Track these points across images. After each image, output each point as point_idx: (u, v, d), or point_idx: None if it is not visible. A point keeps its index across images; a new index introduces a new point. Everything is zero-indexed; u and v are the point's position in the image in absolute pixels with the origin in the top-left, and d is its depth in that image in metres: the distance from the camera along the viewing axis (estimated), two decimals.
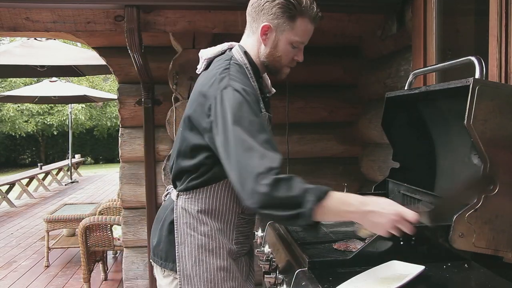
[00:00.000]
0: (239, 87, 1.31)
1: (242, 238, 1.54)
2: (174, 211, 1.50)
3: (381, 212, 1.17)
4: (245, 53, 1.48)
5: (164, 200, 1.67)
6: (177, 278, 1.49)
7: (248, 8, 1.46)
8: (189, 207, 1.47)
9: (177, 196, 1.50)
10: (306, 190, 1.16)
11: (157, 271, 1.59)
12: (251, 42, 1.48)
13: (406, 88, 1.80)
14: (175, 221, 1.49)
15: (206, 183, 1.44)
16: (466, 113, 1.25)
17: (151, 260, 1.62)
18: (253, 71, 1.46)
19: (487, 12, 1.72)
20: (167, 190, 1.67)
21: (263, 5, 1.40)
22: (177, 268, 1.48)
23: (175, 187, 1.55)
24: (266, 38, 1.42)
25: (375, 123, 2.98)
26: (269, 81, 1.63)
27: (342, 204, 1.20)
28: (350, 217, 1.24)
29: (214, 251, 1.46)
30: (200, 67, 1.55)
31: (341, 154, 3.38)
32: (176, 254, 1.48)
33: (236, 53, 1.48)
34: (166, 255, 1.52)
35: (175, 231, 1.49)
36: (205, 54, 1.54)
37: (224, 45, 1.54)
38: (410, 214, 1.17)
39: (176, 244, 1.48)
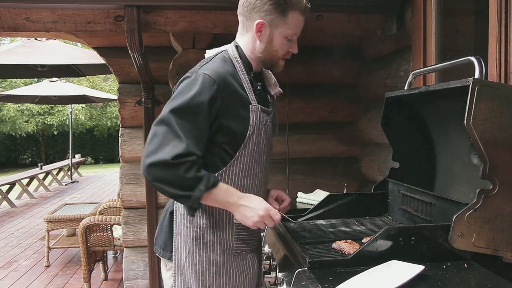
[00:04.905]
0: (207, 71, 1.39)
1: (245, 233, 1.51)
2: (174, 203, 1.53)
3: (252, 208, 1.36)
4: (236, 47, 1.52)
5: None
6: None
7: (238, 8, 1.51)
8: None
9: None
10: (200, 178, 1.31)
11: (162, 264, 1.63)
12: (246, 40, 1.51)
13: (406, 88, 1.80)
14: (174, 212, 1.54)
15: None
16: (466, 113, 1.25)
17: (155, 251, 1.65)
18: (244, 65, 1.50)
19: (487, 12, 1.72)
20: None
21: (254, 3, 1.44)
22: (173, 258, 1.51)
23: None
24: (261, 34, 1.47)
25: (375, 123, 2.98)
26: (274, 80, 1.65)
27: (225, 196, 1.36)
28: (228, 207, 1.39)
29: (208, 245, 1.47)
30: None
31: (341, 154, 3.38)
32: (173, 244, 1.52)
33: (229, 48, 1.54)
34: (165, 245, 1.57)
35: (174, 221, 1.53)
36: (207, 54, 1.59)
37: (227, 45, 1.57)
38: (274, 213, 1.38)
39: (174, 234, 1.52)
